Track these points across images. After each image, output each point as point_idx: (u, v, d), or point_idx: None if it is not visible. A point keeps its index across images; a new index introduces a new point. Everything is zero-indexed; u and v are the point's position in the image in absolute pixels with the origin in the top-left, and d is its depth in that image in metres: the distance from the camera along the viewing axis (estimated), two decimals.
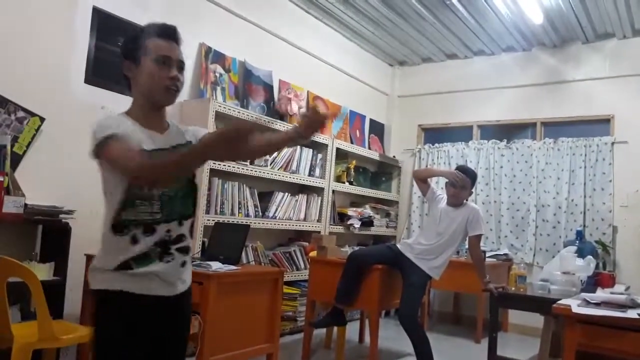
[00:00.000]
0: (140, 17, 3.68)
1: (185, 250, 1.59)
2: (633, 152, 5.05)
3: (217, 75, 4.23)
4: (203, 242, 3.74)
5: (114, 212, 1.48)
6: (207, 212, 3.88)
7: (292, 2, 4.92)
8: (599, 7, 4.67)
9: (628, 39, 5.20)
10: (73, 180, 3.28)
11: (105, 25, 3.54)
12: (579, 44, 5.45)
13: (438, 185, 3.95)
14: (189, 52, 4.04)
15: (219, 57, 4.25)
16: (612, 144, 5.15)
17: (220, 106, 3.90)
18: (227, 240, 3.25)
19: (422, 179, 3.84)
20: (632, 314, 2.28)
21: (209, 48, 4.17)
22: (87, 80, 3.40)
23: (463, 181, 3.60)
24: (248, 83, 4.46)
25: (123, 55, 1.58)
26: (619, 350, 2.26)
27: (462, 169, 3.74)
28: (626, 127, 5.12)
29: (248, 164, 4.16)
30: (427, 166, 6.10)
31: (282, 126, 4.40)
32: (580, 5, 4.65)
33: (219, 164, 3.86)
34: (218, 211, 3.96)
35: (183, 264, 1.58)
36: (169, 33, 1.57)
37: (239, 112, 4.06)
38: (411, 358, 3.57)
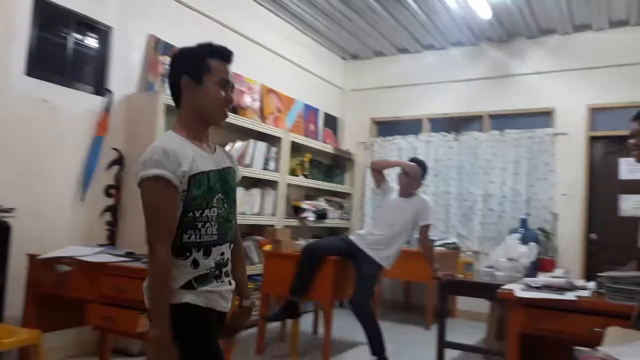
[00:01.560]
0: (86, 7, 3.56)
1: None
2: (572, 143, 5.31)
3: (167, 67, 4.13)
4: None
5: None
6: None
7: None
8: (542, 3, 4.86)
9: (569, 35, 5.44)
10: (13, 177, 3.14)
11: (47, 14, 3.39)
12: (524, 39, 5.66)
13: (390, 178, 4.03)
14: (137, 44, 3.94)
15: (169, 49, 4.15)
16: (554, 135, 5.39)
17: (169, 99, 3.82)
18: None
19: (378, 170, 3.92)
20: (569, 296, 2.40)
21: (158, 40, 4.07)
22: (28, 73, 3.25)
23: (416, 172, 3.71)
24: None
25: (181, 70, 1.61)
26: (558, 330, 2.38)
27: (415, 161, 3.84)
28: (566, 120, 5.37)
29: None
30: (380, 159, 6.20)
31: (234, 119, 4.36)
32: (524, 1, 4.82)
33: None
34: None
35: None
36: (229, 56, 1.65)
37: None
38: (364, 347, 3.64)
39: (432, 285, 4.70)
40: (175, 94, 1.64)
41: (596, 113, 5.31)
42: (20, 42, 3.21)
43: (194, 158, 1.54)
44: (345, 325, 4.50)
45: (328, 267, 3.59)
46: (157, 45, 4.06)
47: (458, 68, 5.99)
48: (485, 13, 4.99)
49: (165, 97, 3.78)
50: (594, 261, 5.08)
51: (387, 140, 6.28)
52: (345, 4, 5.00)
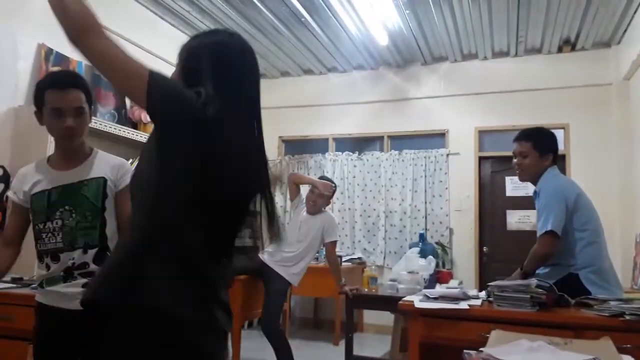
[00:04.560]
0: None
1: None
2: (464, 162, 5.73)
3: None
4: None
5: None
6: None
7: (146, 7, 4.72)
8: (434, 33, 5.23)
9: (458, 63, 5.91)
10: None
11: None
12: (419, 65, 6.04)
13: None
14: (25, 53, 3.66)
15: (62, 60, 3.90)
16: (447, 155, 5.79)
17: None
18: None
19: (297, 184, 3.96)
20: (463, 305, 2.56)
21: (50, 49, 3.81)
22: None
23: (331, 191, 3.81)
24: (97, 88, 4.16)
25: (34, 104, 1.82)
26: (453, 337, 2.52)
27: (324, 180, 3.93)
28: (458, 140, 5.80)
29: None
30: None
31: (133, 134, 4.18)
32: (418, 30, 5.16)
33: None
34: None
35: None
36: (60, 83, 1.78)
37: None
38: None
39: (340, 300, 4.79)
40: None
41: (483, 135, 5.79)
42: None
43: (39, 179, 1.83)
44: (255, 346, 4.43)
45: (235, 287, 3.53)
46: (49, 56, 3.80)
47: (360, 90, 6.24)
48: (382, 39, 5.26)
49: None
50: (487, 272, 5.47)
51: (295, 159, 6.36)
52: (249, 22, 5.03)
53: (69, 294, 1.78)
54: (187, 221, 1.15)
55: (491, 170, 5.76)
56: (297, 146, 6.55)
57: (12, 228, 1.91)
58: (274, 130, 6.53)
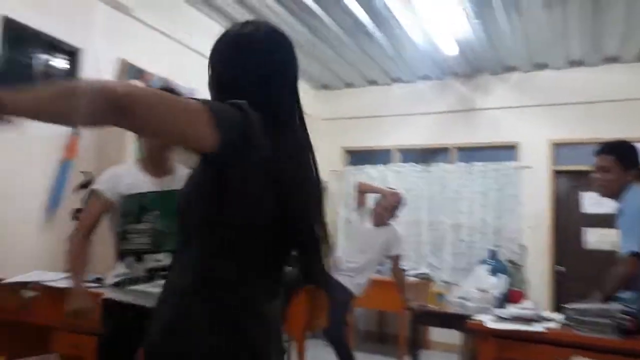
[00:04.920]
0: (56, 30, 3.51)
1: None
2: (537, 176, 5.48)
3: None
4: None
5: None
6: None
7: (214, 20, 4.89)
8: (503, 42, 5.06)
9: (529, 73, 5.68)
10: None
11: (17, 36, 3.33)
12: (488, 74, 5.87)
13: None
14: (107, 68, 3.89)
15: (139, 74, 4.12)
16: (518, 168, 5.56)
17: None
18: None
19: (364, 192, 3.94)
20: (538, 327, 2.45)
21: (129, 64, 4.04)
22: None
23: (397, 200, 3.76)
24: None
25: None
26: None
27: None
28: (530, 153, 5.56)
29: None
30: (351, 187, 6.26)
31: None
32: (487, 39, 5.02)
33: None
34: None
35: None
36: None
37: None
38: None
39: (405, 315, 4.69)
40: None
41: (558, 148, 5.51)
42: None
43: (134, 182, 1.95)
44: (319, 355, 4.42)
45: (299, 298, 3.54)
46: (128, 70, 4.02)
47: (426, 101, 6.14)
48: (450, 49, 5.16)
49: None
50: (561, 293, 5.19)
51: (358, 169, 6.34)
52: (314, 34, 5.09)
53: (154, 293, 1.84)
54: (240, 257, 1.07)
55: (568, 185, 5.47)
56: (361, 157, 6.53)
57: (95, 221, 1.99)
58: (338, 141, 6.56)
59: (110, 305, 1.94)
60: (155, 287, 1.92)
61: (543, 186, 5.46)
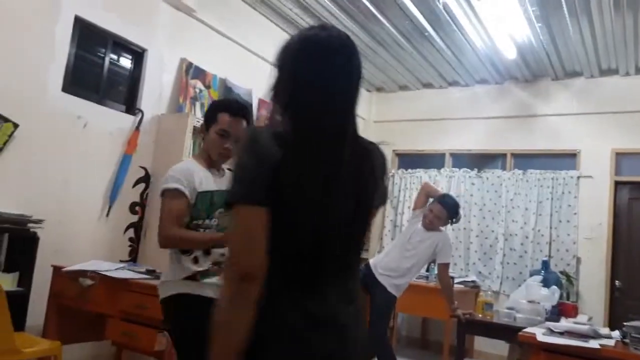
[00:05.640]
0: (123, 29, 3.69)
1: None
2: (597, 187, 5.24)
3: (197, 90, 4.24)
4: None
5: None
6: None
7: (274, 23, 4.98)
8: (568, 46, 4.88)
9: (595, 79, 5.44)
10: (43, 189, 3.21)
11: (86, 34, 3.53)
12: (549, 80, 5.66)
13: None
14: (169, 67, 4.05)
15: (200, 73, 4.26)
16: (578, 177, 5.33)
17: (198, 121, 3.89)
18: None
19: (427, 195, 3.90)
20: (594, 344, 2.35)
21: (190, 64, 4.18)
22: (65, 89, 3.36)
23: (441, 214, 3.65)
24: None
25: (204, 116, 2.14)
26: None
27: (448, 200, 3.77)
28: (591, 163, 5.32)
29: None
30: (399, 191, 6.21)
31: None
32: (551, 44, 4.85)
33: None
34: None
35: None
36: (234, 110, 2.06)
37: None
38: None
39: (450, 323, 4.61)
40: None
41: (622, 158, 5.25)
42: (60, 60, 3.32)
43: (204, 179, 2.00)
44: None
45: None
46: (189, 69, 4.17)
47: (482, 105, 6.00)
48: (511, 53, 5.03)
49: (195, 119, 3.86)
50: (618, 309, 4.94)
51: (408, 173, 6.28)
52: (372, 37, 5.09)
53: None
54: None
55: (629, 197, 5.20)
56: (412, 161, 6.46)
57: (184, 215, 1.97)
58: (388, 143, 6.50)
59: (186, 300, 1.91)
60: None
61: (603, 197, 5.21)
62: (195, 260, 1.95)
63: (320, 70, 1.11)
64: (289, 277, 1.05)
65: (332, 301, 1.08)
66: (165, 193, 1.95)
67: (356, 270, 1.19)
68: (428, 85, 6.32)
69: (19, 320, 2.66)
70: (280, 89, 1.15)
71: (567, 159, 5.51)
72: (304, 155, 1.05)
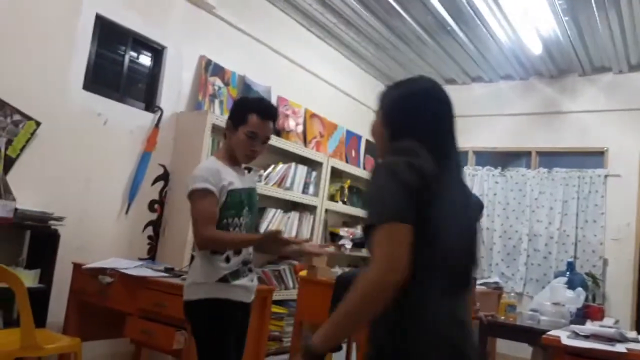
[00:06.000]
0: (142, 27, 3.70)
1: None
2: (625, 186, 5.09)
3: (216, 88, 4.24)
4: (192, 257, 3.70)
5: None
6: None
7: (295, 20, 4.96)
8: (596, 41, 4.74)
9: (624, 74, 5.28)
10: (64, 187, 3.25)
11: (107, 32, 3.55)
12: (576, 76, 5.52)
13: None
14: (188, 64, 4.06)
15: (219, 70, 4.26)
16: (606, 176, 5.18)
17: (217, 119, 3.89)
18: None
19: None
20: (620, 348, 2.27)
21: (209, 61, 4.18)
22: (86, 87, 3.39)
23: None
24: None
25: (230, 114, 2.12)
26: None
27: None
28: (620, 161, 5.17)
29: None
30: None
31: (277, 142, 4.39)
32: (578, 38, 4.72)
33: None
34: None
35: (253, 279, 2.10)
36: (265, 112, 2.06)
37: None
38: None
39: (472, 324, 4.52)
40: (225, 131, 2.14)
41: None
42: (80, 57, 3.35)
43: (232, 178, 2.01)
44: None
45: None
46: (208, 66, 4.17)
47: (506, 102, 5.88)
48: (536, 48, 4.91)
49: (213, 116, 3.85)
50: None
51: None
52: (393, 33, 5.02)
53: (250, 287, 2.04)
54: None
55: None
56: None
57: (216, 214, 1.98)
58: None
59: (215, 304, 1.90)
60: (250, 282, 2.05)
61: (632, 196, 5.05)
62: (227, 259, 1.95)
63: (431, 114, 1.41)
64: (435, 286, 1.21)
65: (465, 308, 1.31)
66: (195, 193, 1.93)
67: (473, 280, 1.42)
68: (450, 81, 6.22)
69: (40, 317, 2.69)
70: (408, 130, 1.34)
71: (594, 157, 5.36)
72: (445, 184, 1.25)
